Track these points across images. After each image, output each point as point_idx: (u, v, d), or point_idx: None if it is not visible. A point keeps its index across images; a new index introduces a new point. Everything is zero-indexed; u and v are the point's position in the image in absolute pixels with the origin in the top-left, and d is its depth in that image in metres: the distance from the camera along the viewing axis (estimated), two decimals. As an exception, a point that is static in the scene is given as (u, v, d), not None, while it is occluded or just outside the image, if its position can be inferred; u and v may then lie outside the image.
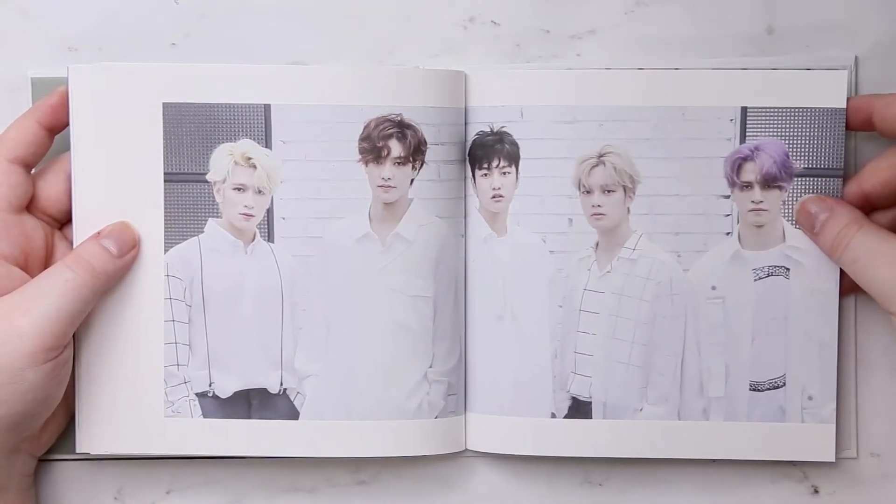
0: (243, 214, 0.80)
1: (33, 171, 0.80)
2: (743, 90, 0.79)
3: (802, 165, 0.80)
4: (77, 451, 0.81)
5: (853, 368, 0.82)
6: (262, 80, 0.79)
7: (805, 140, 0.79)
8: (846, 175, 0.80)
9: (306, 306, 0.81)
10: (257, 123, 0.79)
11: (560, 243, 0.81)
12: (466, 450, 0.82)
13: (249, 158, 0.80)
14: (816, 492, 0.83)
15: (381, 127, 0.79)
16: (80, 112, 0.79)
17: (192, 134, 0.80)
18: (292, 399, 0.81)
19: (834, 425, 0.80)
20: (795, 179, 0.80)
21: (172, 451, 0.81)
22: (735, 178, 0.80)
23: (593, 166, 0.80)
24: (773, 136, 0.80)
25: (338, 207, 0.80)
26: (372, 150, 0.80)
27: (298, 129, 0.79)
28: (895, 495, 0.83)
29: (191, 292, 0.80)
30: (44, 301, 0.75)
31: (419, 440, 0.81)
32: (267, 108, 0.79)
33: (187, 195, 0.80)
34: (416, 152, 0.80)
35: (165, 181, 0.80)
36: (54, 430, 0.81)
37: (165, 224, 0.80)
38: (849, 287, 0.80)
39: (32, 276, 0.77)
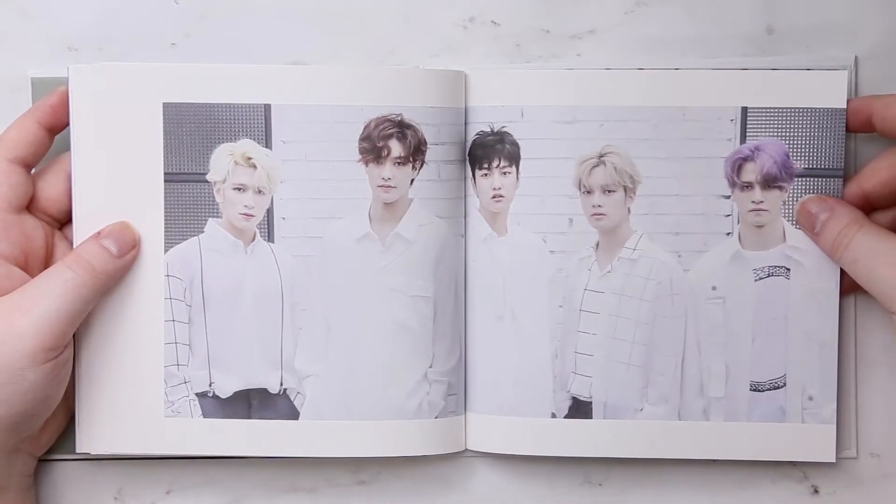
0: (243, 214, 0.80)
1: (33, 171, 0.80)
2: (743, 90, 0.79)
3: (803, 165, 0.80)
4: (77, 451, 0.81)
5: (853, 368, 0.82)
6: (262, 80, 0.79)
7: (805, 140, 0.79)
8: (846, 175, 0.80)
9: (306, 306, 0.81)
10: (257, 123, 0.79)
11: (560, 243, 0.81)
12: (466, 450, 0.82)
13: (249, 158, 0.80)
14: (816, 492, 0.83)
15: (382, 127, 0.79)
16: (80, 112, 0.79)
17: (193, 134, 0.79)
18: (292, 399, 0.81)
19: (834, 426, 0.80)
20: (796, 180, 0.80)
21: (172, 451, 0.81)
22: (735, 179, 0.80)
23: (594, 166, 0.80)
24: (774, 136, 0.80)
25: (338, 207, 0.80)
26: (372, 150, 0.80)
27: (298, 129, 0.79)
28: (895, 495, 0.83)
29: (191, 292, 0.80)
30: (44, 301, 0.75)
31: (419, 440, 0.81)
32: (267, 108, 0.79)
33: (187, 195, 0.80)
34: (416, 152, 0.80)
35: (165, 181, 0.80)
36: (54, 430, 0.81)
37: (165, 224, 0.80)
38: (849, 287, 0.80)
39: (32, 276, 0.77)
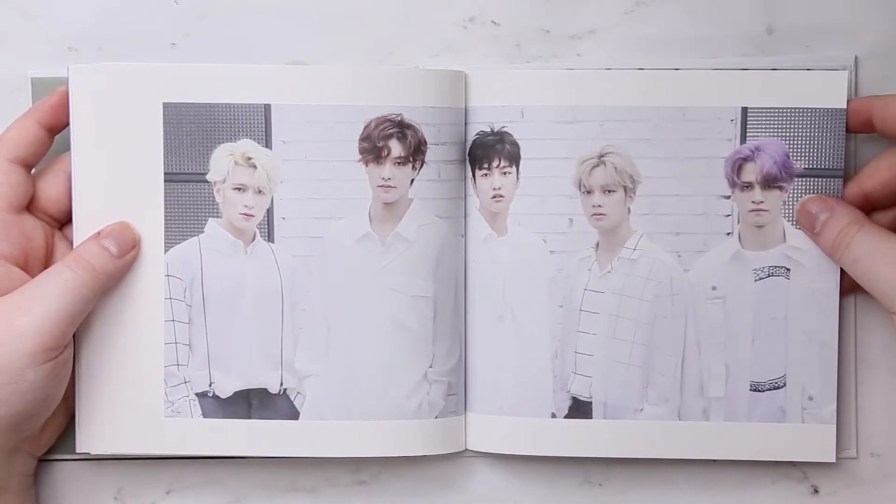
0: (243, 214, 0.80)
1: (33, 171, 0.80)
2: (743, 90, 0.79)
3: (803, 166, 0.80)
4: (77, 451, 0.81)
5: (853, 368, 0.82)
6: (262, 80, 0.79)
7: (805, 140, 0.79)
8: (846, 175, 0.80)
9: (306, 306, 0.81)
10: (257, 123, 0.79)
11: (560, 243, 0.81)
12: (466, 450, 0.82)
13: (249, 158, 0.80)
14: (816, 492, 0.83)
15: (382, 127, 0.79)
16: (80, 112, 0.79)
17: (193, 134, 0.79)
18: (292, 399, 0.81)
19: (834, 426, 0.80)
20: (796, 180, 0.80)
21: (172, 451, 0.81)
22: (735, 179, 0.80)
23: (594, 166, 0.80)
24: (774, 136, 0.80)
25: (338, 207, 0.80)
26: (372, 150, 0.80)
27: (298, 129, 0.79)
28: (895, 495, 0.83)
29: (191, 292, 0.80)
30: (44, 301, 0.75)
31: (419, 440, 0.81)
32: (267, 108, 0.79)
33: (187, 195, 0.80)
34: (416, 152, 0.80)
35: (165, 181, 0.80)
36: (54, 430, 0.81)
37: (165, 224, 0.80)
38: (849, 287, 0.80)
39: (32, 276, 0.77)
